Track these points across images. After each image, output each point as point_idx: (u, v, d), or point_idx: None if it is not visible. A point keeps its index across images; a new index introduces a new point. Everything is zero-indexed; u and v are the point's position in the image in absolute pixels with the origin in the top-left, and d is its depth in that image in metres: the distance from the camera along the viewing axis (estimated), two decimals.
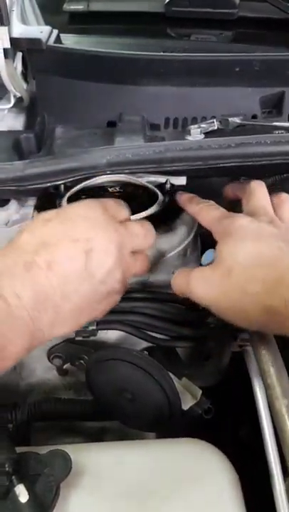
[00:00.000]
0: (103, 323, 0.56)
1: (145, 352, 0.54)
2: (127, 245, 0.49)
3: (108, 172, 0.53)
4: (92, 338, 0.59)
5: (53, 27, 0.85)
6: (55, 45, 0.72)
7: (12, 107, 0.95)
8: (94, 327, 0.56)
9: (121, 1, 0.90)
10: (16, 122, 0.93)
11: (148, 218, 0.63)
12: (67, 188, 0.66)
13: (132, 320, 0.57)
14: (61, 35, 0.87)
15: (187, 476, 0.40)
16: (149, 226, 0.54)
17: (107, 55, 0.69)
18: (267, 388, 0.46)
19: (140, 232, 0.51)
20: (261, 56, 0.64)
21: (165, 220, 0.65)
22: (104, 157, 0.51)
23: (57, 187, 0.65)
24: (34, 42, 0.74)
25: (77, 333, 0.55)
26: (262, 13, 0.82)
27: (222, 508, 0.38)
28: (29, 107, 0.89)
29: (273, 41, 0.81)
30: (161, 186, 0.67)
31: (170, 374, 0.53)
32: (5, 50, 0.73)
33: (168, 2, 0.87)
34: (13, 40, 0.76)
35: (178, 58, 0.67)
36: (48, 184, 0.52)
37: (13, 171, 0.56)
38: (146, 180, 0.66)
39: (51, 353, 0.60)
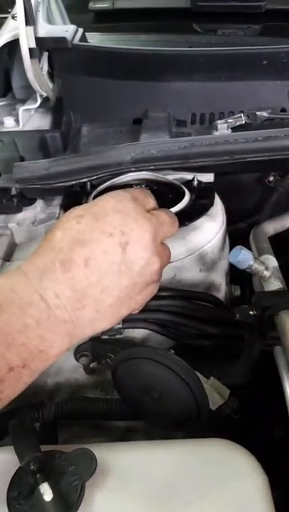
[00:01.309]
0: (129, 321, 0.55)
1: (172, 351, 0.53)
2: (160, 234, 0.48)
3: (133, 169, 0.52)
4: (118, 336, 0.58)
5: (79, 26, 0.85)
6: (80, 43, 0.72)
7: (39, 106, 0.96)
8: (120, 326, 0.55)
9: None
10: (43, 122, 0.94)
11: (185, 212, 0.62)
12: (94, 186, 0.66)
13: (158, 318, 0.56)
14: (87, 33, 0.87)
15: (214, 477, 0.39)
16: (172, 214, 0.52)
17: (132, 52, 0.68)
18: None
19: (168, 221, 0.50)
20: (275, 48, 0.61)
21: (192, 217, 0.63)
22: (128, 154, 0.50)
23: (83, 185, 0.65)
24: (60, 41, 0.74)
25: (104, 331, 0.55)
26: None
27: (250, 511, 0.37)
28: (55, 107, 0.89)
29: None
30: (188, 183, 0.66)
31: (197, 373, 0.51)
32: (31, 50, 0.74)
33: None
34: (39, 40, 0.77)
35: (202, 53, 0.66)
36: (74, 182, 0.52)
37: (38, 169, 0.55)
38: (172, 177, 0.65)
39: (78, 352, 0.60)
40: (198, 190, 0.65)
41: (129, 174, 0.61)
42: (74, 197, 0.64)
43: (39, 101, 0.87)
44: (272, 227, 0.62)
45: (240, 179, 0.76)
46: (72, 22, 0.93)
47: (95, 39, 0.84)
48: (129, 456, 0.42)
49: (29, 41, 0.72)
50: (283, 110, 0.67)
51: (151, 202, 0.51)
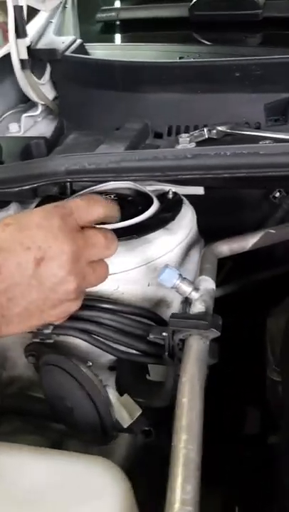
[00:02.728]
0: (59, 328, 0.55)
1: (89, 363, 0.52)
2: (84, 255, 0.47)
3: (69, 179, 0.52)
4: (63, 341, 0.58)
5: (88, 36, 0.86)
6: (69, 54, 0.73)
7: (48, 113, 1.00)
8: (49, 331, 0.55)
9: (147, 9, 0.87)
10: (47, 128, 0.97)
11: (142, 224, 0.61)
12: (74, 191, 0.67)
13: (87, 328, 0.55)
14: (94, 44, 0.88)
15: (76, 492, 0.38)
16: (111, 235, 0.51)
17: (113, 64, 0.67)
18: None
19: (101, 242, 0.49)
20: (262, 59, 0.57)
21: (148, 229, 0.61)
22: (63, 165, 0.49)
23: (63, 190, 0.66)
24: (51, 52, 0.75)
25: (34, 335, 0.55)
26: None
27: None
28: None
29: None
30: (162, 195, 0.64)
31: (111, 389, 0.50)
32: (22, 61, 0.76)
33: (191, 6, 0.82)
34: (34, 51, 0.79)
35: (178, 65, 0.63)
36: (16, 189, 0.53)
37: None
38: (154, 188, 0.64)
39: (26, 351, 0.61)
40: (169, 202, 0.63)
41: (111, 182, 0.61)
42: (50, 200, 0.65)
43: (40, 109, 0.89)
44: (227, 247, 0.58)
45: (243, 194, 0.73)
46: (83, 32, 0.94)
47: (100, 49, 0.85)
48: (8, 458, 0.42)
49: (20, 53, 0.74)
50: (258, 125, 0.63)
51: (93, 214, 0.50)
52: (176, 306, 0.63)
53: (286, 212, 0.76)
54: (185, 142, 0.59)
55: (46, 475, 0.41)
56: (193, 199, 0.65)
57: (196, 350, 0.44)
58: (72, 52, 0.75)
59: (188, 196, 0.65)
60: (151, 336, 0.48)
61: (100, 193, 0.64)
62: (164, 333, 0.48)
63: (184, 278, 0.51)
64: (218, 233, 0.66)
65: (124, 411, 0.49)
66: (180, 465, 0.35)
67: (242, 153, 0.43)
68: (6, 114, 0.95)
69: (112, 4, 0.92)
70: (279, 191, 0.71)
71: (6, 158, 0.73)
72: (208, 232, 0.66)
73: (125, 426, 0.49)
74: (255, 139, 0.54)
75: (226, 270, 0.74)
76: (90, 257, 0.47)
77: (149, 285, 0.59)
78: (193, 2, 0.79)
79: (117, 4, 0.93)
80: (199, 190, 0.68)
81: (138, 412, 0.49)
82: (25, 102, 1.01)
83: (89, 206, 0.49)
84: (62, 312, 0.47)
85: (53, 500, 0.38)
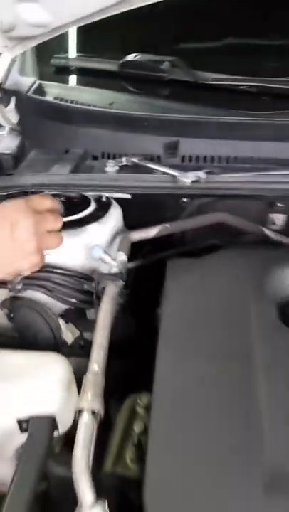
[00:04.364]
0: (27, 284, 0.81)
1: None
2: (41, 224, 0.71)
3: (33, 189, 0.79)
4: (29, 297, 0.85)
5: (43, 76, 1.12)
6: (31, 95, 0.99)
7: (11, 133, 1.23)
8: (20, 287, 0.81)
9: (90, 61, 1.13)
10: (11, 144, 1.22)
11: (82, 218, 0.88)
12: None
13: (46, 285, 0.82)
14: (48, 82, 1.14)
15: (36, 366, 0.65)
16: (57, 214, 0.74)
17: (62, 106, 0.94)
18: None
19: (51, 218, 0.72)
20: (160, 116, 0.87)
21: (87, 222, 0.89)
22: (29, 181, 0.76)
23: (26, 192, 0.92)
24: (17, 93, 1.00)
25: (9, 291, 0.81)
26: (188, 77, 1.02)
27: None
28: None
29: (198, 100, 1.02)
30: (99, 199, 0.92)
31: (60, 319, 0.78)
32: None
33: (120, 64, 1.09)
34: (3, 90, 1.04)
35: (107, 112, 0.92)
36: None
37: None
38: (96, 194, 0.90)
39: (3, 305, 0.87)
40: (103, 204, 0.92)
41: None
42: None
43: (6, 129, 1.14)
44: (137, 235, 0.88)
45: (161, 199, 1.01)
46: (40, 72, 1.19)
47: (53, 87, 1.10)
48: None
49: None
50: (159, 157, 0.93)
51: (44, 204, 0.73)
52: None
53: (190, 212, 1.06)
54: (111, 166, 0.88)
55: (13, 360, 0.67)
56: (124, 201, 0.92)
57: (111, 293, 0.73)
58: (33, 93, 1.01)
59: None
60: (85, 287, 0.77)
61: (55, 195, 0.91)
62: (93, 284, 0.76)
63: (106, 253, 0.80)
64: (141, 225, 0.94)
65: (69, 332, 0.77)
66: (90, 373, 0.62)
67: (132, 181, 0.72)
68: None
69: (66, 52, 1.18)
70: (186, 198, 1.01)
71: None
72: (134, 224, 0.94)
73: (69, 342, 0.77)
74: (149, 170, 0.84)
75: (145, 250, 1.03)
76: (46, 227, 0.72)
77: (86, 259, 0.88)
78: (121, 61, 1.07)
79: (72, 51, 1.18)
80: (127, 196, 0.97)
81: (77, 333, 0.77)
82: None
83: (41, 199, 0.75)
84: (29, 263, 0.71)
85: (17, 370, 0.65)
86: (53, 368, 0.65)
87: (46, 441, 0.59)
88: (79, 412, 0.57)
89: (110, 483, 0.62)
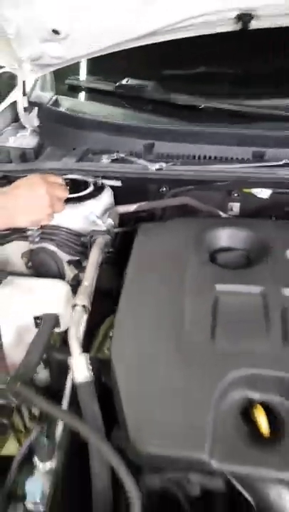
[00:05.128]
0: (42, 238, 1.13)
1: None
2: (52, 190, 0.99)
3: (51, 172, 1.12)
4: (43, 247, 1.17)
5: (59, 92, 1.46)
6: (49, 106, 1.32)
7: (32, 133, 1.58)
8: (37, 239, 1.14)
9: (95, 83, 1.47)
10: (33, 142, 1.55)
11: (83, 196, 1.21)
12: None
13: (56, 239, 1.14)
14: (64, 97, 1.48)
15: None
16: (64, 187, 1.05)
17: (71, 115, 1.28)
18: None
19: (59, 187, 1.02)
20: (138, 125, 1.21)
21: (86, 198, 1.22)
22: (47, 166, 1.08)
23: None
24: (39, 105, 1.34)
25: (30, 242, 1.13)
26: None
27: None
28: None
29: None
30: (96, 183, 1.25)
31: (65, 263, 1.11)
32: (24, 108, 1.34)
33: (115, 86, 1.42)
34: (30, 103, 1.37)
35: (104, 122, 1.26)
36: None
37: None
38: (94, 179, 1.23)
39: (23, 255, 1.19)
40: (98, 187, 1.25)
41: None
42: None
43: (29, 131, 1.47)
44: (122, 209, 1.21)
45: (147, 188, 1.32)
46: (58, 88, 1.53)
47: (67, 101, 1.44)
48: None
49: (24, 104, 1.32)
50: (140, 154, 1.27)
51: (56, 179, 1.06)
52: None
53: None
54: (105, 158, 1.21)
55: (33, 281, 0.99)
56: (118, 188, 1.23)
57: (99, 243, 1.05)
58: (51, 105, 1.35)
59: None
60: (82, 239, 1.09)
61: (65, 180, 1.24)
62: (88, 237, 1.09)
63: (99, 217, 1.13)
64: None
65: (70, 272, 1.09)
66: (82, 286, 0.95)
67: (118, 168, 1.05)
68: (6, 129, 1.52)
69: (77, 74, 1.52)
70: (164, 187, 1.34)
71: (13, 160, 1.31)
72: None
73: (70, 278, 1.09)
74: (132, 161, 1.17)
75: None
76: (55, 192, 1.04)
77: (84, 224, 1.20)
78: (116, 84, 1.41)
79: (83, 74, 1.53)
80: (118, 183, 1.30)
81: (76, 272, 1.09)
82: (17, 121, 1.59)
83: (53, 176, 1.08)
84: (44, 214, 1.03)
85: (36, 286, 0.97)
86: (59, 286, 0.98)
87: (51, 327, 0.91)
88: (74, 306, 0.89)
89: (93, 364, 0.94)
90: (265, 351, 0.76)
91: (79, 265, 1.15)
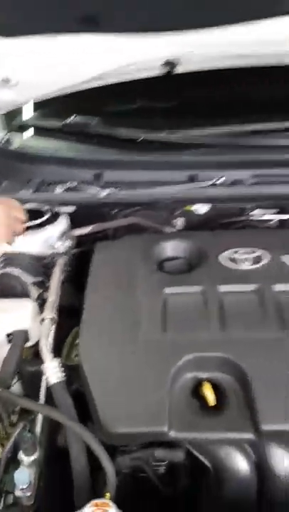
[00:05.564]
0: (6, 264, 1.25)
1: None
2: (12, 211, 1.14)
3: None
4: None
5: (12, 130, 1.60)
6: (1, 147, 1.46)
7: None
8: (1, 265, 1.25)
9: (43, 120, 1.61)
10: None
11: (41, 223, 1.34)
12: None
13: (20, 263, 1.26)
14: (16, 134, 1.61)
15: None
16: (23, 214, 1.21)
17: (22, 152, 1.42)
18: None
19: (18, 210, 1.18)
20: (86, 157, 1.38)
21: (44, 225, 1.35)
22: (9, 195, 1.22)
23: None
24: None
25: None
26: None
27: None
28: None
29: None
30: (51, 211, 1.38)
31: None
32: None
33: (62, 124, 1.58)
34: None
35: (55, 156, 1.41)
36: None
37: None
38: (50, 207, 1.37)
39: None
40: (54, 215, 1.38)
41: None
42: None
43: None
44: (78, 231, 1.34)
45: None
46: (9, 128, 1.66)
47: (19, 138, 1.58)
48: None
49: None
50: (90, 182, 1.42)
51: (15, 203, 1.20)
52: None
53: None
54: (59, 188, 1.35)
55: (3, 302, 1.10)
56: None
57: (60, 263, 1.17)
58: (4, 143, 1.48)
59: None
60: (45, 261, 1.22)
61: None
62: (50, 259, 1.22)
63: (58, 241, 1.26)
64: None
65: (34, 291, 1.21)
66: (48, 302, 1.09)
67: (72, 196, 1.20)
68: None
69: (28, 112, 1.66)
70: (114, 210, 1.49)
71: None
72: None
73: (34, 297, 1.20)
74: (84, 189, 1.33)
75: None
76: (15, 213, 1.17)
77: (44, 248, 1.32)
78: (63, 122, 1.56)
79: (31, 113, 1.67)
80: (70, 209, 1.43)
81: (40, 291, 1.21)
82: None
83: (12, 200, 1.21)
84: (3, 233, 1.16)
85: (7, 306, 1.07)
86: (26, 304, 1.09)
87: (23, 341, 1.02)
88: (43, 320, 1.01)
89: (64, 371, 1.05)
90: (207, 338, 0.92)
91: (42, 285, 1.26)
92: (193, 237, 1.20)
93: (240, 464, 0.83)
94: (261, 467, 0.84)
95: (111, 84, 1.35)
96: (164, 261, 1.17)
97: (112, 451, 0.86)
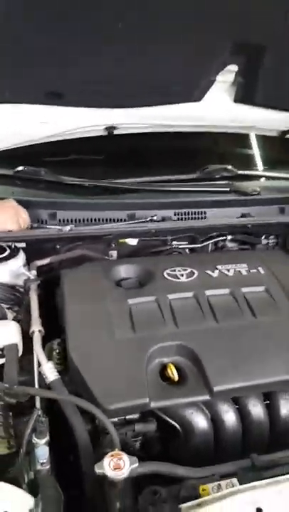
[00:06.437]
0: None
1: None
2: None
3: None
4: None
5: None
6: None
7: None
8: None
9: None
10: None
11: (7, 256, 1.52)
12: None
13: None
14: None
15: None
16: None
17: None
18: None
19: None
20: (39, 200, 1.64)
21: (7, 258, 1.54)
22: None
23: None
24: None
25: None
26: None
27: None
28: None
29: None
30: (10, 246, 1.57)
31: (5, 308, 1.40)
32: None
33: (14, 172, 1.83)
34: None
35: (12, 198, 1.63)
36: None
37: None
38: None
39: None
40: (14, 250, 1.57)
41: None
42: None
43: None
44: (39, 262, 1.55)
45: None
46: None
47: None
48: None
49: None
50: (46, 221, 1.66)
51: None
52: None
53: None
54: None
55: None
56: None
57: (34, 288, 1.38)
58: None
59: None
60: (17, 287, 1.40)
61: None
62: (24, 285, 1.41)
63: (25, 270, 1.46)
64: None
65: (10, 314, 1.38)
66: (33, 317, 1.29)
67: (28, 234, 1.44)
68: None
69: None
70: (59, 245, 1.72)
71: None
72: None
73: (10, 319, 1.37)
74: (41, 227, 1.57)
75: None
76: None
77: (11, 278, 1.51)
78: (14, 170, 1.79)
79: None
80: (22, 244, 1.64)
81: (14, 313, 1.38)
82: None
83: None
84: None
85: None
86: (10, 323, 1.27)
87: (16, 352, 1.20)
88: (33, 332, 1.20)
89: None
90: (166, 333, 1.22)
91: (15, 308, 1.44)
92: (140, 262, 1.52)
93: (201, 420, 1.13)
94: (215, 421, 1.14)
95: (59, 141, 1.64)
96: (120, 281, 1.45)
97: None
